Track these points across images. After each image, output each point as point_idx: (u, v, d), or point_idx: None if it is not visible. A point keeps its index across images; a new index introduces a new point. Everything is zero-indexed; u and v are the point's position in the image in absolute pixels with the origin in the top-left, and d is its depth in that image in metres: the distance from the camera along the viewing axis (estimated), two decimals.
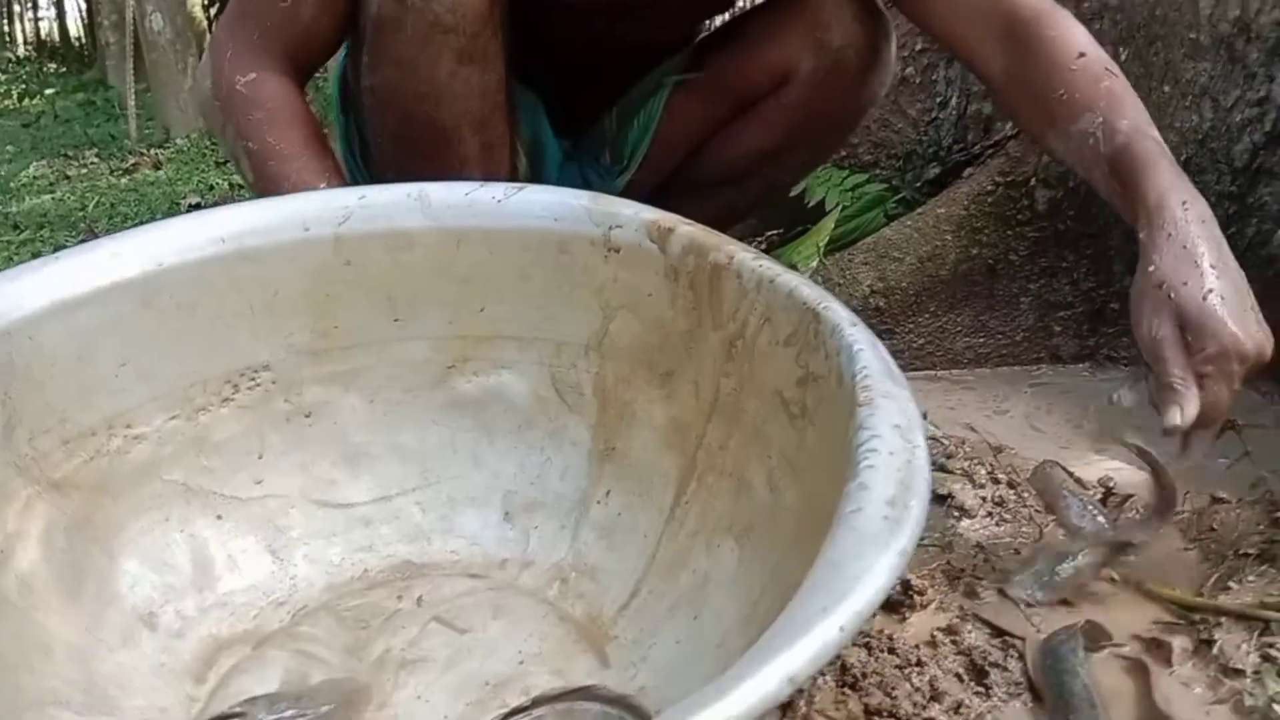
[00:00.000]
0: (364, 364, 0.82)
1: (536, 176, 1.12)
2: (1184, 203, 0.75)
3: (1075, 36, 0.86)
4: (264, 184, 0.94)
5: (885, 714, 0.66)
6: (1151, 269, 0.74)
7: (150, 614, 0.71)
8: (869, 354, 0.56)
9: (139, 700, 0.67)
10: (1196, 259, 0.73)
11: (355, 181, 1.13)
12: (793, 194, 1.54)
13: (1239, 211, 1.24)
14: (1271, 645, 0.74)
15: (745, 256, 0.70)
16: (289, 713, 0.62)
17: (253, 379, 0.80)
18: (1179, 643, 0.75)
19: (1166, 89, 1.27)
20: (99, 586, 0.71)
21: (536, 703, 0.60)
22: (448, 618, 0.74)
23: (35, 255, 2.39)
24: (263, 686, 0.68)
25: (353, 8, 0.95)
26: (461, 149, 0.96)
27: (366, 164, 1.11)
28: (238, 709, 0.62)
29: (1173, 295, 0.72)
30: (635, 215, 0.77)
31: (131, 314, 0.75)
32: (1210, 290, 0.71)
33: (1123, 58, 1.30)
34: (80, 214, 2.87)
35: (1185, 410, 0.71)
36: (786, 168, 1.22)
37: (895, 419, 0.51)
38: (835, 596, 0.38)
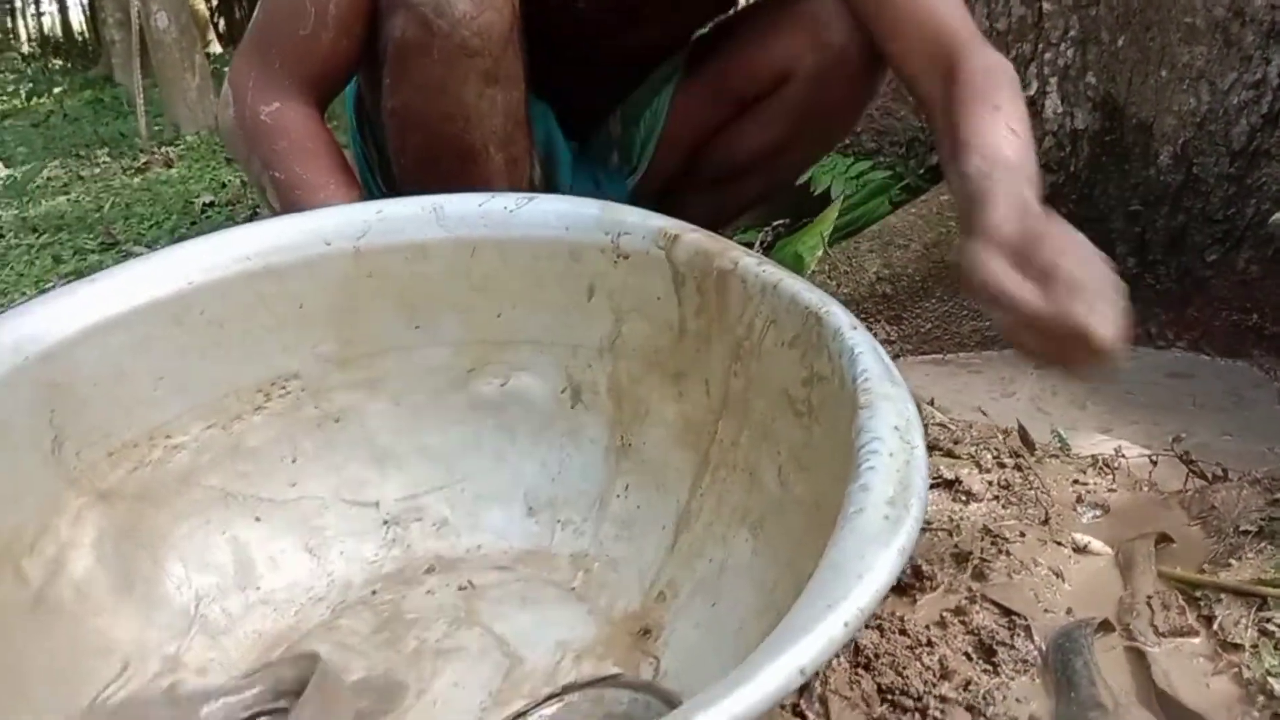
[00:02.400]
0: (388, 370, 0.86)
1: (550, 183, 1.15)
2: (1015, 167, 0.77)
3: (998, 86, 0.88)
4: (290, 213, 0.96)
5: (897, 692, 0.69)
6: (988, 211, 0.71)
7: (198, 613, 0.76)
8: (869, 357, 0.59)
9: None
10: (1032, 209, 0.71)
11: None
12: (798, 183, 1.56)
13: (1238, 193, 1.26)
14: (1269, 620, 0.76)
15: (749, 262, 0.73)
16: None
17: (283, 388, 0.83)
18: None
19: (1164, 73, 1.29)
20: (148, 590, 0.75)
21: (567, 690, 0.64)
22: (478, 609, 0.78)
23: (55, 258, 2.43)
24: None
25: (371, 32, 0.97)
26: (488, 166, 0.99)
27: (387, 183, 1.13)
28: (282, 704, 0.66)
29: (1012, 234, 0.68)
30: (643, 223, 0.80)
31: (165, 331, 0.78)
32: (1044, 235, 0.69)
33: (1120, 43, 1.32)
34: (96, 215, 2.90)
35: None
36: (790, 162, 1.25)
37: (894, 421, 0.54)
38: (839, 594, 0.42)
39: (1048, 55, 1.39)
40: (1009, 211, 0.71)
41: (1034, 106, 1.41)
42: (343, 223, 0.83)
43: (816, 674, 0.70)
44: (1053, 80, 1.39)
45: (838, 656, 0.72)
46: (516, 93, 0.98)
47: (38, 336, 0.72)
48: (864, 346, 0.60)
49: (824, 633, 0.40)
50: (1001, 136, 0.82)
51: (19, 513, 0.69)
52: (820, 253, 1.40)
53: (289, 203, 0.96)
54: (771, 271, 0.71)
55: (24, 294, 2.11)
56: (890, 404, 0.55)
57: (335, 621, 0.78)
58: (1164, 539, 0.84)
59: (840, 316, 0.64)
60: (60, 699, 0.65)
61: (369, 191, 1.13)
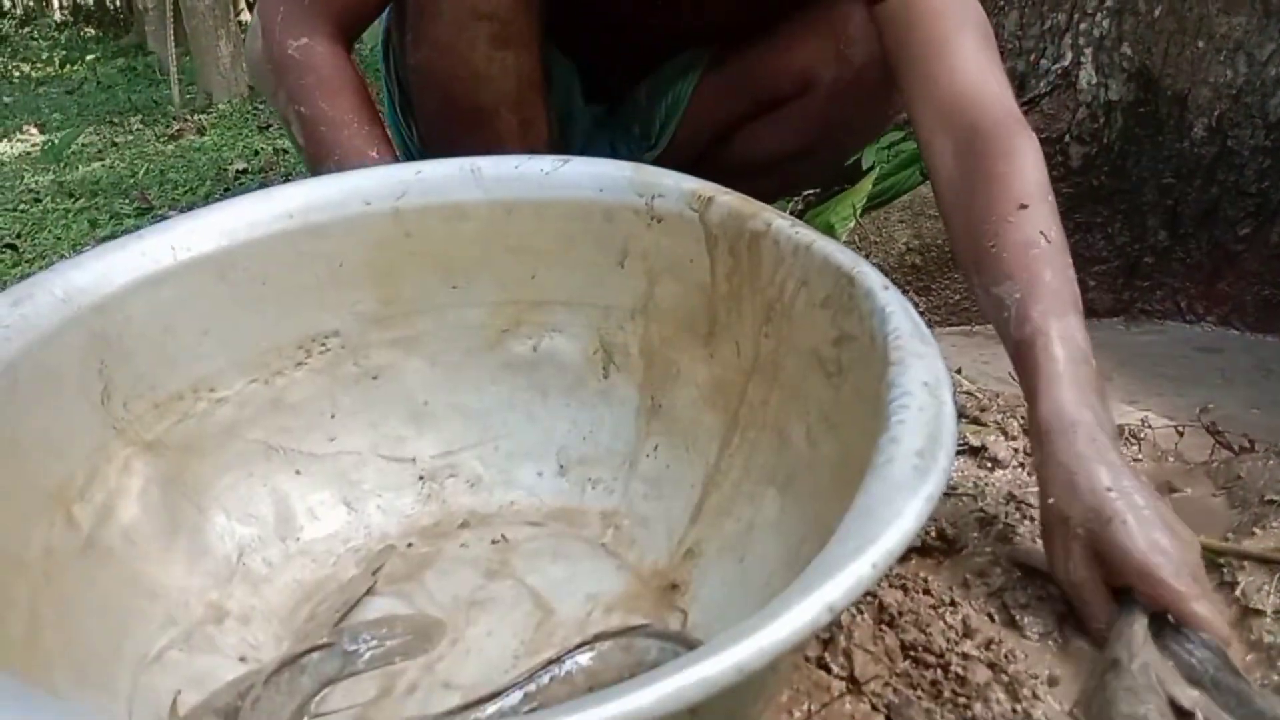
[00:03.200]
0: (425, 329, 0.88)
1: (565, 145, 1.15)
2: (1073, 424, 0.70)
3: (1025, 179, 0.80)
4: (314, 149, 0.97)
5: (920, 649, 0.71)
6: (1051, 501, 0.70)
7: (240, 561, 0.78)
8: (900, 316, 0.60)
9: (234, 639, 0.74)
10: (1093, 487, 0.67)
11: (403, 144, 1.18)
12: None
13: (1272, 166, 1.25)
14: None
15: (782, 224, 0.74)
16: (372, 641, 0.69)
17: (323, 344, 0.85)
18: None
19: (1200, 44, 1.28)
20: (192, 538, 0.77)
21: (598, 639, 0.66)
22: (511, 562, 0.80)
23: (91, 222, 2.47)
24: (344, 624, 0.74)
25: None
26: (500, 126, 1.00)
27: (412, 127, 1.15)
28: (327, 639, 0.68)
29: (1080, 530, 0.68)
30: (677, 185, 0.81)
31: (209, 286, 0.80)
32: (1112, 518, 0.66)
33: (1156, 13, 1.31)
34: (131, 181, 2.94)
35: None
36: (808, 168, 1.25)
37: (924, 377, 0.55)
38: (868, 538, 0.43)
39: (1083, 25, 1.38)
40: (1077, 450, 0.69)
41: (1068, 78, 1.40)
42: (382, 182, 0.85)
43: (841, 626, 0.71)
44: (1088, 51, 1.38)
45: (861, 612, 0.73)
46: (529, 56, 0.99)
47: (89, 289, 0.74)
48: (895, 306, 0.61)
49: (853, 572, 0.41)
50: (1034, 249, 0.76)
51: (70, 460, 0.71)
52: (852, 224, 1.40)
53: (313, 138, 0.97)
54: (804, 233, 0.72)
55: (61, 257, 2.15)
56: (921, 361, 0.56)
57: (371, 572, 0.81)
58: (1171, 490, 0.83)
59: (872, 277, 0.65)
60: (110, 637, 0.68)
61: (397, 138, 1.14)
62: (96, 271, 0.76)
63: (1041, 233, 0.77)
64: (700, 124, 1.20)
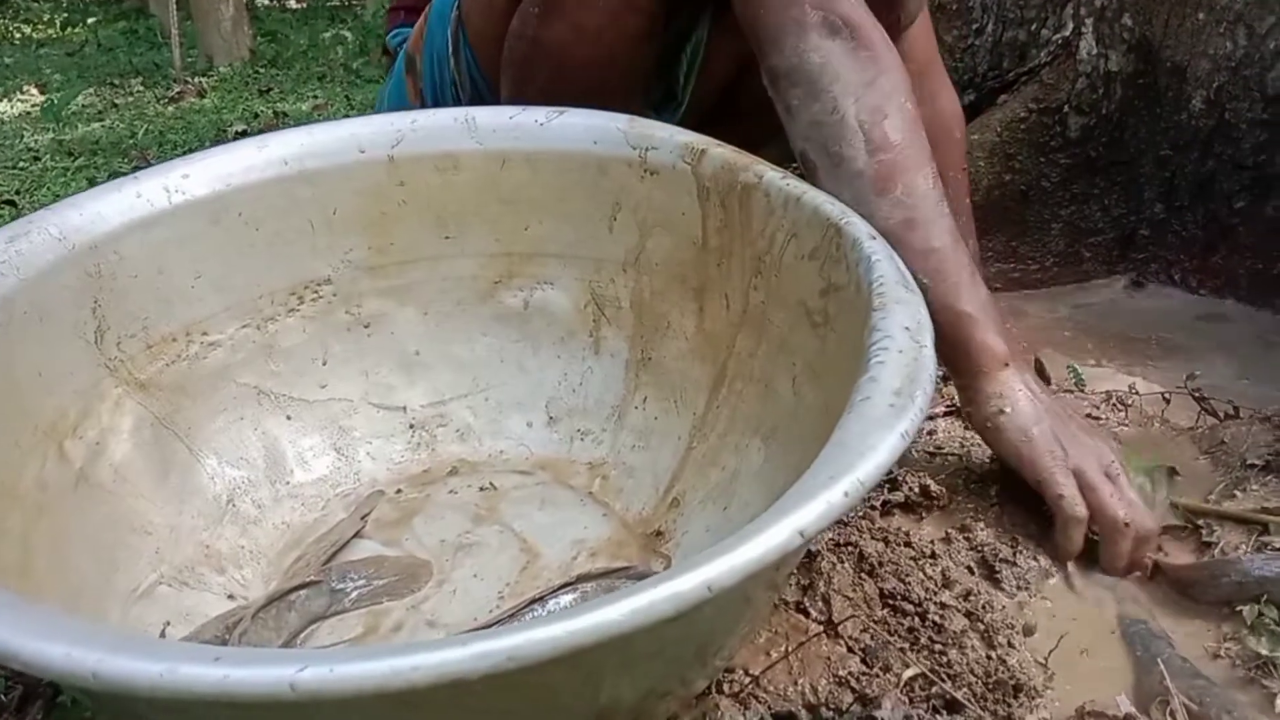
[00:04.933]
0: (417, 279, 0.88)
1: None
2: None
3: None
4: None
5: (899, 598, 0.72)
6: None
7: (230, 503, 0.79)
8: (885, 264, 0.61)
9: (223, 577, 0.75)
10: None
11: (449, 96, 1.16)
12: None
13: (1269, 140, 1.25)
14: (1268, 545, 0.78)
15: (773, 176, 0.74)
16: (360, 580, 0.70)
17: (316, 292, 0.86)
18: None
19: (1201, 16, 1.27)
20: (183, 478, 0.78)
21: (580, 580, 0.67)
22: (499, 508, 0.81)
23: (91, 181, 2.46)
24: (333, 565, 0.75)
25: None
26: (610, 107, 0.99)
27: (466, 82, 1.13)
28: (314, 577, 0.69)
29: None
30: (670, 138, 0.81)
31: (202, 230, 0.81)
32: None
33: None
34: (130, 141, 2.93)
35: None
36: None
37: (906, 322, 0.56)
38: (842, 468, 0.44)
39: None
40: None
41: (1069, 48, 1.40)
42: (378, 131, 0.85)
43: (821, 574, 0.72)
44: (1089, 21, 1.38)
45: (843, 561, 0.74)
46: (656, 49, 1.00)
47: (83, 228, 0.74)
48: (881, 254, 0.62)
49: (825, 499, 0.42)
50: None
51: (62, 396, 0.72)
52: None
53: None
54: (795, 185, 0.73)
55: None
56: (903, 307, 0.57)
57: (360, 516, 0.82)
58: (1173, 472, 0.86)
59: (859, 227, 0.65)
60: (101, 570, 0.69)
61: (438, 86, 1.13)
62: (92, 212, 0.76)
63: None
64: (714, 74, 1.20)
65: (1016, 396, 0.78)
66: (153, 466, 0.77)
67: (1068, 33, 1.40)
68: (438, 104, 1.16)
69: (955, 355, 0.78)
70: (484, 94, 1.12)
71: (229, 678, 0.38)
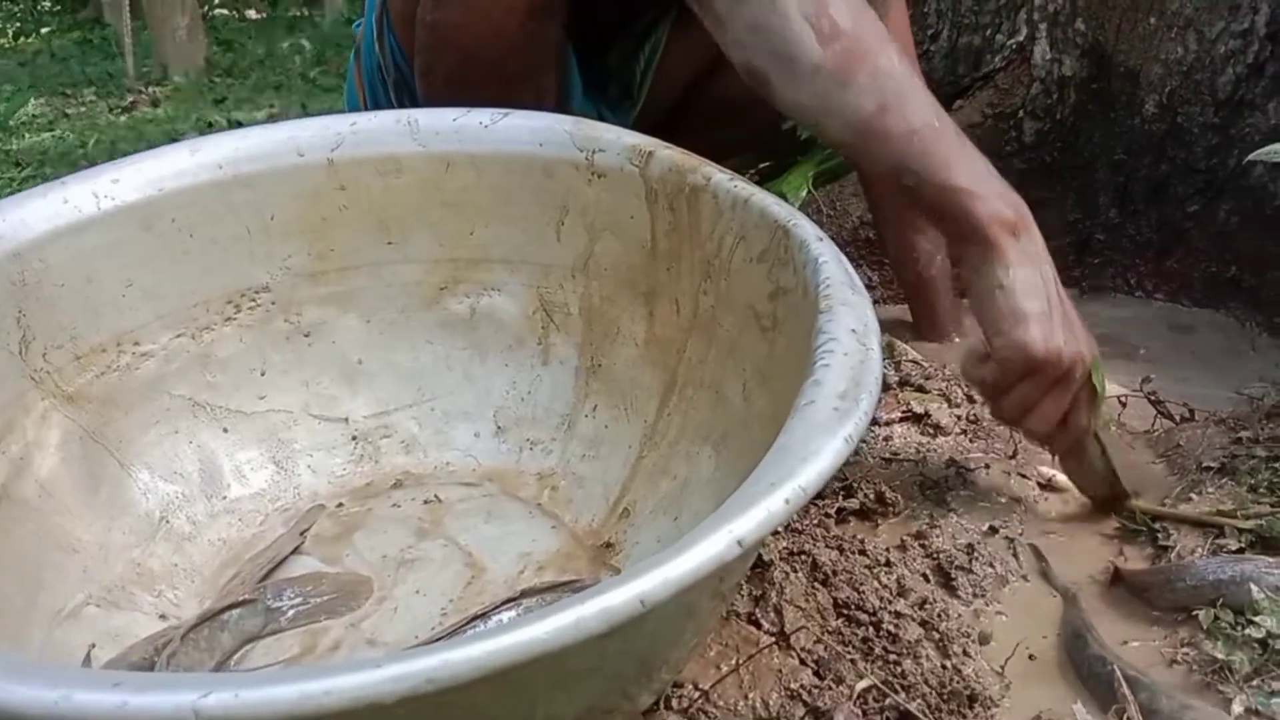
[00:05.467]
0: (359, 285, 0.86)
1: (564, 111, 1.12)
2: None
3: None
4: None
5: (853, 607, 0.70)
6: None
7: (163, 519, 0.76)
8: (833, 266, 0.59)
9: (155, 596, 0.72)
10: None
11: (385, 99, 1.14)
12: (784, 127, 1.55)
13: (1221, 143, 1.26)
14: (1224, 548, 0.78)
15: (721, 178, 0.73)
16: (297, 598, 0.67)
17: (253, 299, 0.83)
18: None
19: (1152, 20, 1.28)
20: (113, 493, 0.75)
21: (525, 594, 0.65)
22: (444, 521, 0.78)
23: None
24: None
25: None
26: (518, 95, 0.96)
27: (399, 99, 1.10)
28: (249, 596, 0.67)
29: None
30: (618, 140, 0.80)
31: (133, 236, 0.78)
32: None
33: None
34: (80, 151, 2.88)
35: None
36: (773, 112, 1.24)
37: (852, 324, 0.54)
38: (784, 474, 0.42)
39: (1038, 1, 1.38)
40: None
41: (1023, 53, 1.40)
42: (317, 134, 0.83)
43: (773, 584, 0.71)
44: (1042, 26, 1.38)
45: (796, 570, 0.72)
46: (558, 28, 0.96)
47: (5, 234, 0.71)
48: (828, 256, 0.60)
49: (765, 507, 0.40)
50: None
51: None
52: (805, 194, 1.39)
53: None
54: (743, 187, 0.71)
55: None
56: (849, 309, 0.56)
57: (299, 532, 0.79)
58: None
59: (807, 229, 0.64)
60: (24, 590, 0.66)
61: (375, 103, 1.11)
62: (15, 218, 0.73)
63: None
64: (674, 73, 1.18)
65: (1017, 272, 0.73)
66: (81, 482, 0.74)
67: (1022, 37, 1.40)
68: (373, 91, 1.14)
69: (959, 230, 0.74)
70: (407, 79, 1.10)
71: (128, 704, 0.35)
